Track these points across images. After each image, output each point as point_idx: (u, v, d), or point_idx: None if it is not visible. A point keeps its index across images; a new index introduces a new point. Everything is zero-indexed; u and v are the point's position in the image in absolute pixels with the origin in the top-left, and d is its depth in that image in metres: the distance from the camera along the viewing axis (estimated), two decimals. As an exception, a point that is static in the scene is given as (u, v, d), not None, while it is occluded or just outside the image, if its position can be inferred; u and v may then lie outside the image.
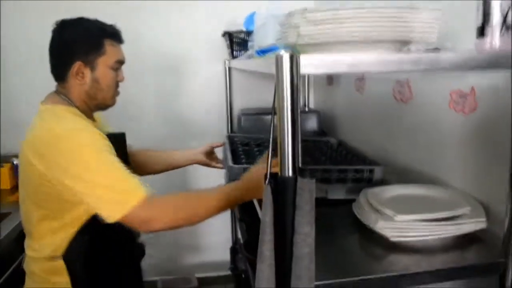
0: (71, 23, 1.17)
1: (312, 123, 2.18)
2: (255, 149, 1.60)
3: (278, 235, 0.70)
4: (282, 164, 0.68)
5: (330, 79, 2.21)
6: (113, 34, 1.20)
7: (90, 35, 1.16)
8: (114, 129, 1.40)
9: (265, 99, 2.29)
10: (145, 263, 1.43)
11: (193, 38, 2.28)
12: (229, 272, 2.37)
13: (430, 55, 0.69)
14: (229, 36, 2.04)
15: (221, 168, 1.61)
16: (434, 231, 0.92)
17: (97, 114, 1.33)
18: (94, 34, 1.17)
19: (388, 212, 0.95)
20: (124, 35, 1.25)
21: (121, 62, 1.24)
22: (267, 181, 0.71)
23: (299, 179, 0.68)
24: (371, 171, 1.27)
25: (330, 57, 0.66)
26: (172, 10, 2.23)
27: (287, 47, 0.73)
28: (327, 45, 0.67)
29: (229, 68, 2.32)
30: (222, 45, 2.21)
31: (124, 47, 1.26)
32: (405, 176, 1.37)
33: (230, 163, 1.39)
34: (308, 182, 0.68)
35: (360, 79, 1.78)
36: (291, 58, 0.64)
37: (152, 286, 2.33)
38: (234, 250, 2.29)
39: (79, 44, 1.15)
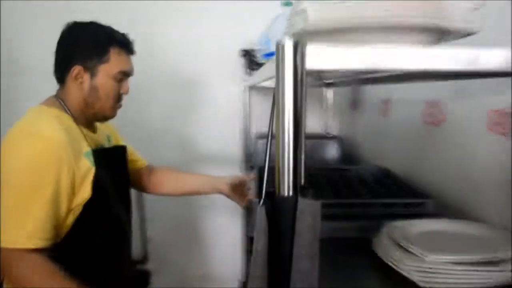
0: (80, 25, 1.12)
1: (332, 150, 2.04)
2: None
3: (273, 269, 0.56)
4: (280, 179, 0.55)
5: (354, 104, 2.08)
6: (121, 43, 1.13)
7: (95, 40, 1.10)
8: (124, 143, 1.32)
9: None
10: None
11: (209, 56, 2.20)
12: (238, 306, 2.20)
13: (469, 51, 0.55)
14: (247, 54, 1.96)
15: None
16: (472, 277, 0.75)
17: (105, 125, 1.25)
18: (100, 40, 1.11)
19: (416, 250, 0.79)
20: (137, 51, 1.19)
21: (126, 73, 1.16)
22: (261, 202, 0.58)
23: (300, 200, 0.54)
24: (420, 204, 1.09)
25: (343, 48, 0.53)
26: (188, 28, 2.17)
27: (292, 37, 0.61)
28: (339, 35, 0.54)
29: (246, 88, 2.22)
30: (240, 64, 2.12)
31: (135, 64, 1.19)
32: (436, 209, 1.20)
33: (253, 198, 1.25)
34: (311, 205, 0.54)
35: (385, 102, 1.64)
36: (295, 48, 0.52)
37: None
38: (244, 286, 2.12)
39: (82, 47, 1.10)
